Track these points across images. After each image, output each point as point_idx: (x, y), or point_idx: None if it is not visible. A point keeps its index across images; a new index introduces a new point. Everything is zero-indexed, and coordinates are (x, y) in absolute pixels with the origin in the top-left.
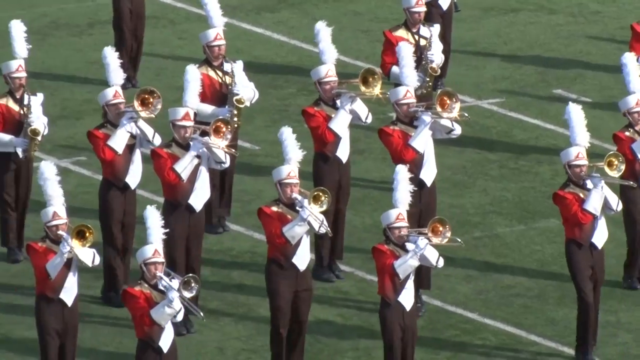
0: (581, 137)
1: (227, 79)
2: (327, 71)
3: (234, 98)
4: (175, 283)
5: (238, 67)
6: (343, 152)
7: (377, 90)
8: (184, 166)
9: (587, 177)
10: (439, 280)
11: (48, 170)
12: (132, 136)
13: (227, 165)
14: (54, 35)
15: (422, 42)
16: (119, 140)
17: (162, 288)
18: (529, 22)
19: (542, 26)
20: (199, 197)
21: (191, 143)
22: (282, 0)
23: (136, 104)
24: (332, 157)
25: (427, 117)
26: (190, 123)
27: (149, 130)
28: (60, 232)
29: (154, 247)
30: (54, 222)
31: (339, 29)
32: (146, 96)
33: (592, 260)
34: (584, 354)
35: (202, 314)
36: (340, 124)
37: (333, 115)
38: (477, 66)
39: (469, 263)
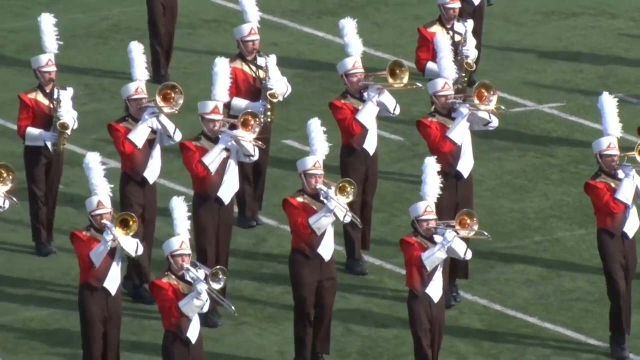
0: (613, 127)
1: (261, 74)
2: (354, 63)
3: (268, 92)
4: (202, 274)
5: (272, 61)
6: (370, 144)
7: (404, 81)
8: (212, 158)
9: (618, 166)
10: (499, 285)
11: (93, 160)
12: (153, 131)
13: (255, 158)
14: (115, 38)
15: (457, 38)
16: (139, 134)
17: (190, 279)
18: (590, 26)
19: (603, 30)
20: (228, 189)
21: (220, 136)
22: (343, 4)
23: (158, 99)
24: (359, 149)
25: (464, 109)
26: (220, 116)
27: (170, 126)
28: (104, 221)
29: (180, 239)
30: (98, 211)
31: (399, 33)
32: (168, 91)
33: (624, 250)
34: (620, 344)
35: (233, 307)
36: (367, 115)
37: (360, 107)
38: (538, 70)
39: (529, 267)
